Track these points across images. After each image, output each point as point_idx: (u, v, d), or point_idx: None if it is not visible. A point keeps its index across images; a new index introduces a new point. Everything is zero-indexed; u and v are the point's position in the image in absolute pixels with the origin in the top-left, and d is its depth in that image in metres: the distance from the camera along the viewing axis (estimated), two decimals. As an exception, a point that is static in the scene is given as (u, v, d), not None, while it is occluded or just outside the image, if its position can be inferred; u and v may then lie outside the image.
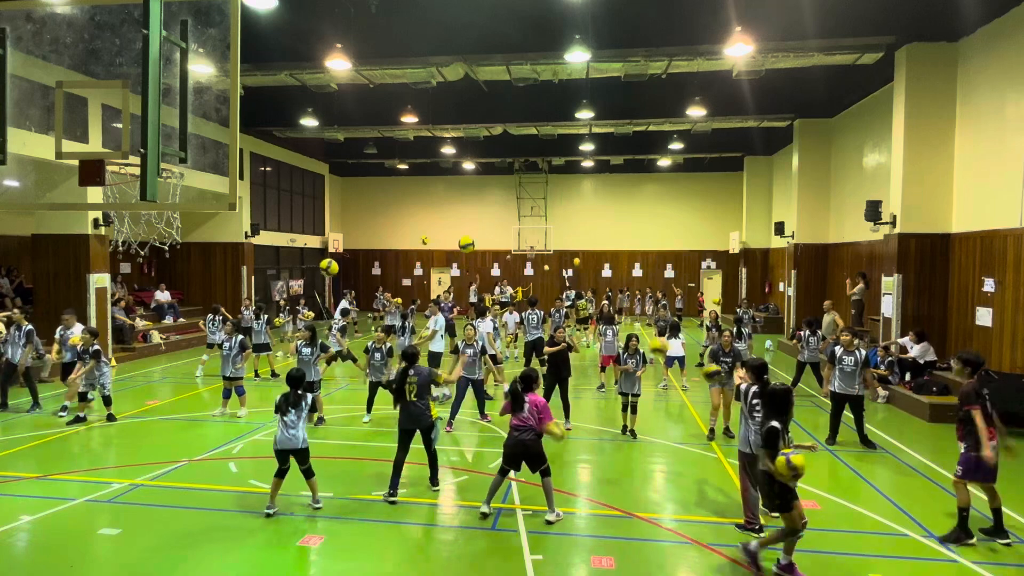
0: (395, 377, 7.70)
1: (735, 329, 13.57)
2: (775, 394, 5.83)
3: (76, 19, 6.35)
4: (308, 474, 7.18)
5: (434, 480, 7.82)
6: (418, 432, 7.57)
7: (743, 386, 6.76)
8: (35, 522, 6.89)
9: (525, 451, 6.87)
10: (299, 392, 7.08)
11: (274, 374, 14.72)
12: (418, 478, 7.99)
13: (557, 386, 10.42)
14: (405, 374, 7.54)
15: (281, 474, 7.05)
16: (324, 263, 18.62)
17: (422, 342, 12.38)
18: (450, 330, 17.92)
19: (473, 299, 26.38)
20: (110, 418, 10.92)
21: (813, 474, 8.51)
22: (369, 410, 10.90)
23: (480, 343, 10.82)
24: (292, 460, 7.05)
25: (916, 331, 12.96)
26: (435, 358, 12.48)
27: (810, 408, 12.26)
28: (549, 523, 6.76)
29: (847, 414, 9.87)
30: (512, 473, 7.11)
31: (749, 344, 13.26)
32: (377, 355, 10.65)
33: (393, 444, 7.66)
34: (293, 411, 6.98)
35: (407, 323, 14.41)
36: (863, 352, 9.65)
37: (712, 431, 10.08)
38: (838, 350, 9.65)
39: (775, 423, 5.70)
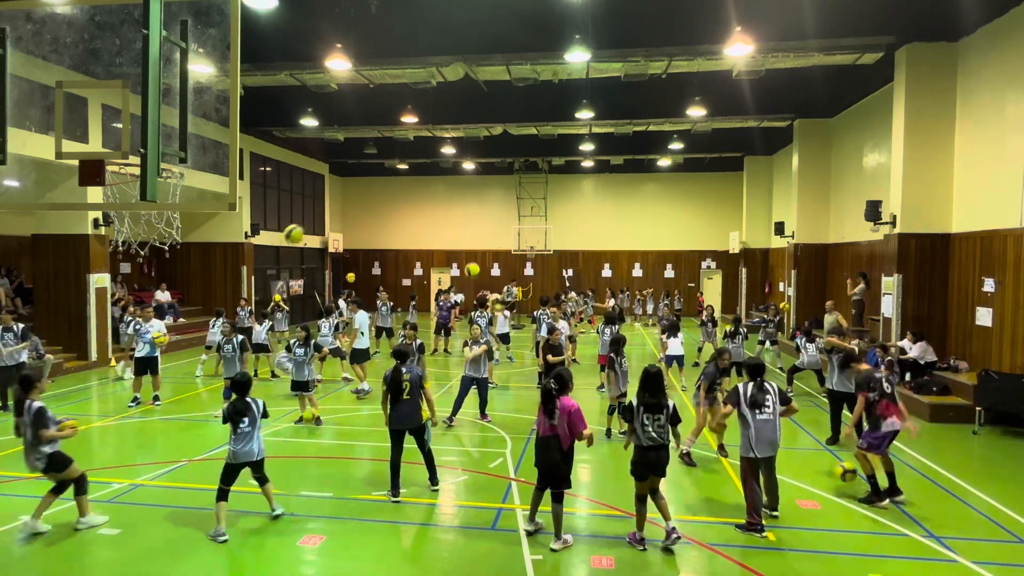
0: (387, 375, 7.45)
1: (731, 329, 13.57)
2: (646, 374, 6.35)
3: (76, 19, 6.34)
4: (262, 481, 6.73)
5: (433, 480, 7.80)
6: (410, 434, 7.51)
7: (739, 386, 6.75)
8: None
9: (551, 468, 6.26)
10: (246, 399, 6.62)
11: (273, 375, 14.73)
12: (417, 478, 7.98)
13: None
14: (398, 372, 7.40)
15: (226, 495, 6.48)
16: (294, 232, 14.33)
17: (346, 341, 12.74)
18: (446, 331, 17.92)
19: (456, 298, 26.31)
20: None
21: (813, 474, 8.53)
22: None
23: (486, 338, 10.83)
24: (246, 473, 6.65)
25: (913, 331, 12.98)
26: (358, 355, 12.82)
27: (810, 408, 12.26)
28: (553, 551, 6.19)
29: (847, 413, 9.86)
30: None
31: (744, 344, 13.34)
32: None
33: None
34: (245, 419, 6.49)
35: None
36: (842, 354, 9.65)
37: (721, 446, 9.43)
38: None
39: (634, 399, 6.28)
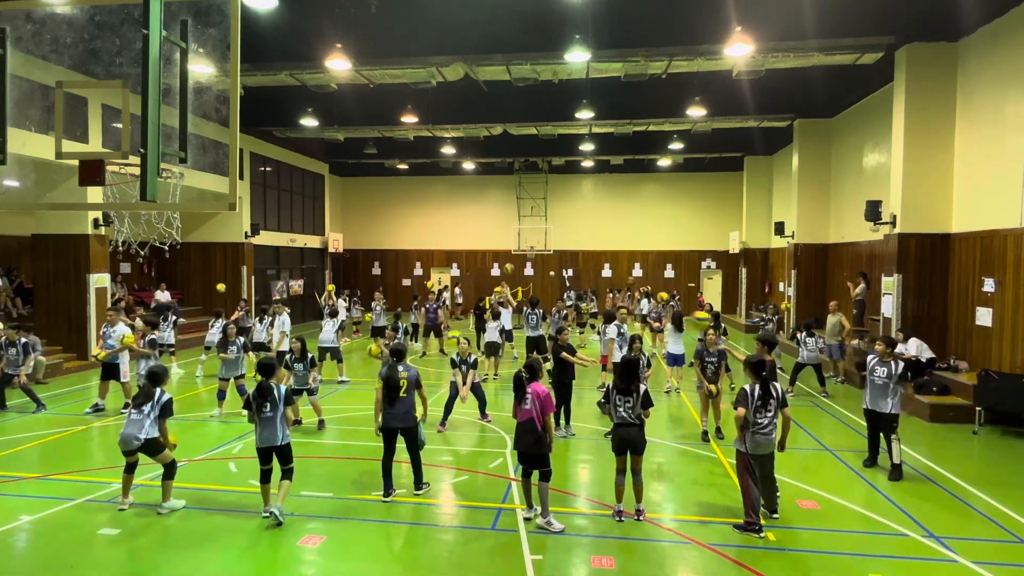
0: (383, 373, 7.43)
1: (719, 328, 13.50)
2: (622, 363, 7.17)
3: (76, 19, 6.35)
4: (287, 475, 6.88)
5: (417, 485, 7.68)
6: (402, 435, 7.45)
7: (746, 388, 6.77)
8: (35, 522, 6.90)
9: (526, 449, 6.74)
10: (270, 382, 6.83)
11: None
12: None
13: (560, 391, 10.36)
14: (394, 369, 7.38)
15: (267, 477, 6.87)
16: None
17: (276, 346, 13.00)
18: (436, 332, 17.91)
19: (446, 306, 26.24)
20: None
21: (813, 474, 8.53)
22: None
23: (474, 358, 10.58)
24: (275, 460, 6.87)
25: (900, 330, 13.15)
26: (282, 357, 12.64)
27: (809, 408, 12.26)
28: (540, 528, 6.67)
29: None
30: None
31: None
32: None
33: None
34: (268, 403, 6.73)
35: (399, 323, 14.47)
36: (900, 364, 8.44)
37: (705, 432, 10.07)
38: (870, 359, 8.57)
39: (608, 384, 7.19)
